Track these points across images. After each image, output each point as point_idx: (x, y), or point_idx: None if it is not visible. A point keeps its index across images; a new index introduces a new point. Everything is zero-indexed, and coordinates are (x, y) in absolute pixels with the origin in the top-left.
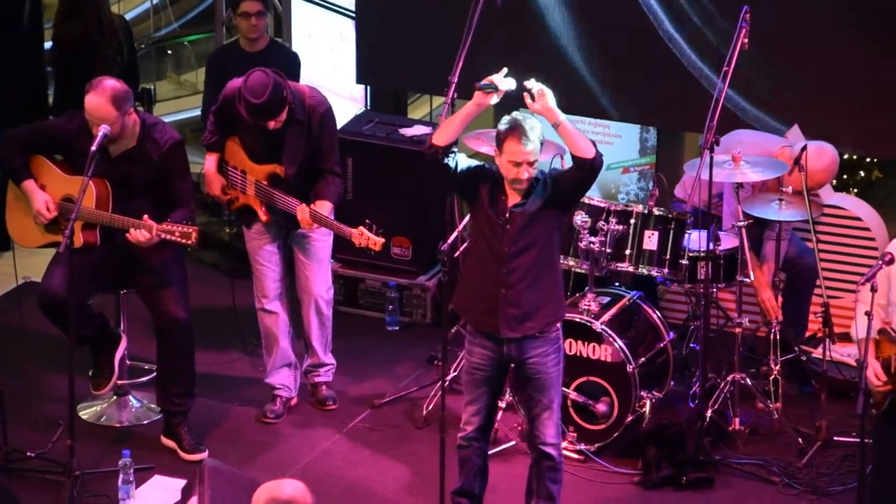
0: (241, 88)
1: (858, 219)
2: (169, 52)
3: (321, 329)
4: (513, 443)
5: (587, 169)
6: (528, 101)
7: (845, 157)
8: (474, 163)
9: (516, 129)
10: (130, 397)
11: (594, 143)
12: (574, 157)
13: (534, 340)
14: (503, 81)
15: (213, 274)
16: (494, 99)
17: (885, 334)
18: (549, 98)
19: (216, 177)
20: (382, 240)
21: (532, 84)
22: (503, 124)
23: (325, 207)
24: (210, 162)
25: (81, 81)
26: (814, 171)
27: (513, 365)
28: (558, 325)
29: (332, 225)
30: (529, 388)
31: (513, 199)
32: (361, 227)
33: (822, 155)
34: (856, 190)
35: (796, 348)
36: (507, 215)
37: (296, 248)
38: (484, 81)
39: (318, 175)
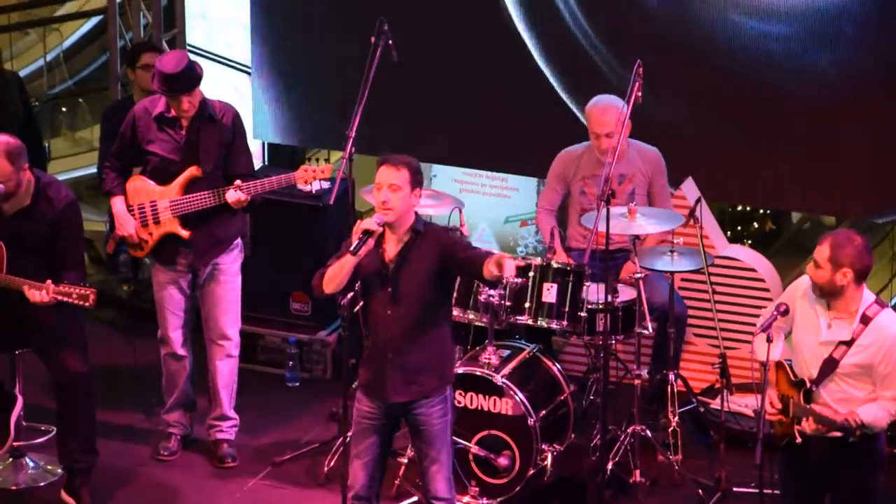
0: (155, 66)
1: (753, 269)
2: (63, 108)
3: (229, 375)
4: (415, 499)
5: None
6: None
7: (738, 208)
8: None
9: (383, 160)
10: (27, 459)
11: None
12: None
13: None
14: (371, 224)
15: (111, 332)
16: (365, 247)
17: (782, 369)
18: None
19: (127, 215)
20: (330, 165)
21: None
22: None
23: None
24: (118, 203)
25: None
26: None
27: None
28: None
29: (267, 183)
30: (417, 441)
31: (389, 254)
32: (302, 167)
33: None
34: (750, 241)
35: (694, 399)
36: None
37: (206, 291)
38: (354, 242)
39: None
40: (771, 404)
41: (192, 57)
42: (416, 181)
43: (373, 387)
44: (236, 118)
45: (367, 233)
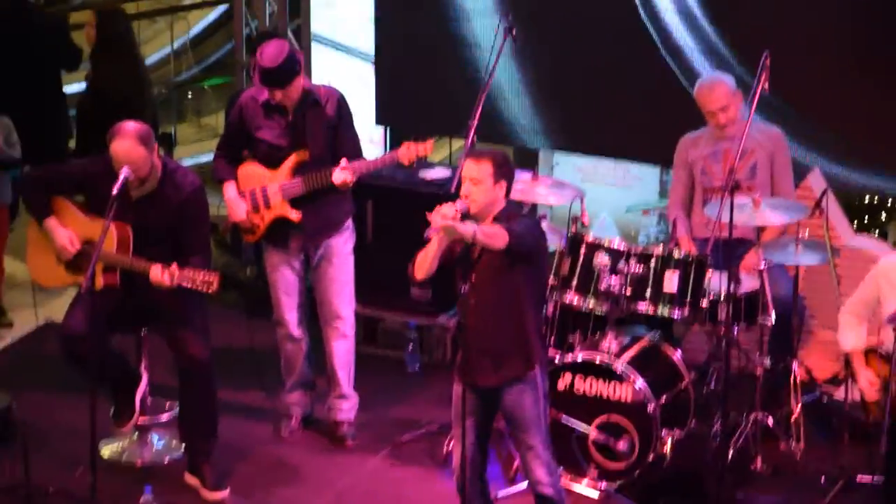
0: (256, 58)
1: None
2: (189, 95)
3: (346, 355)
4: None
5: (513, 253)
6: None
7: (866, 200)
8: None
9: (469, 153)
10: (152, 435)
11: (509, 231)
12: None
13: (509, 382)
14: (450, 215)
15: (233, 314)
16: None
17: (873, 353)
18: (451, 230)
19: (239, 200)
20: (431, 140)
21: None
22: None
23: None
24: (230, 189)
25: (112, 124)
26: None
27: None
28: (536, 367)
29: (374, 163)
30: (513, 429)
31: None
32: (404, 143)
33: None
34: (877, 231)
35: (818, 390)
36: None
37: (318, 272)
38: (430, 231)
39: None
40: (870, 383)
41: (315, 46)
42: (501, 173)
43: (462, 370)
44: (341, 101)
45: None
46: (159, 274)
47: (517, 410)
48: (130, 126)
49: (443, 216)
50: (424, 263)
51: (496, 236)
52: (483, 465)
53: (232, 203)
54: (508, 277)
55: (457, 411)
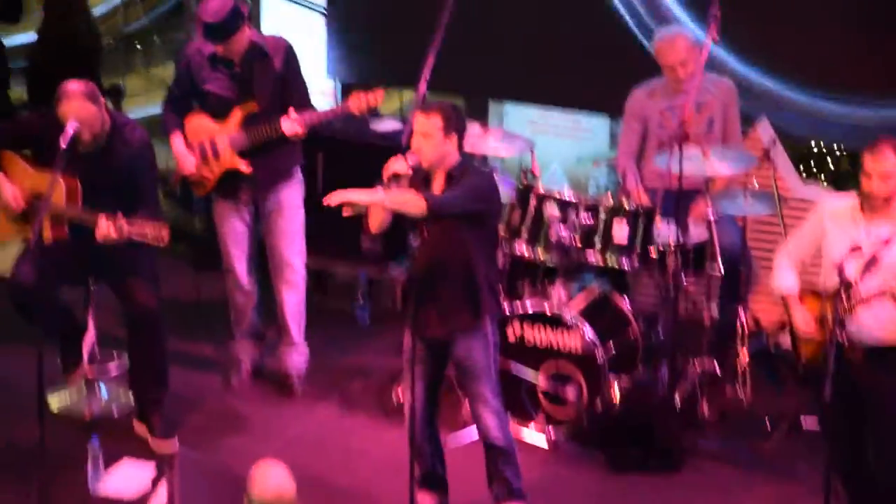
0: (197, 13)
1: None
2: (139, 46)
3: (297, 305)
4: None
5: (434, 218)
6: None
7: (815, 150)
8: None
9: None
10: (100, 386)
11: (428, 199)
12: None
13: (459, 333)
14: (401, 170)
15: (182, 266)
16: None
17: (806, 292)
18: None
19: (187, 153)
20: (381, 90)
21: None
22: None
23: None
24: (178, 142)
25: (63, 77)
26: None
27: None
28: (486, 318)
29: (324, 114)
30: (463, 378)
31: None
32: (353, 93)
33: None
34: (826, 182)
35: (765, 338)
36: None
37: (268, 222)
38: (385, 181)
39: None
40: (805, 322)
41: None
42: (451, 126)
43: (412, 322)
44: (289, 52)
45: (395, 177)
46: (105, 227)
47: (467, 360)
48: (75, 86)
49: (393, 171)
50: (377, 217)
51: (409, 203)
52: (434, 413)
53: (180, 156)
54: (458, 232)
55: (407, 361)
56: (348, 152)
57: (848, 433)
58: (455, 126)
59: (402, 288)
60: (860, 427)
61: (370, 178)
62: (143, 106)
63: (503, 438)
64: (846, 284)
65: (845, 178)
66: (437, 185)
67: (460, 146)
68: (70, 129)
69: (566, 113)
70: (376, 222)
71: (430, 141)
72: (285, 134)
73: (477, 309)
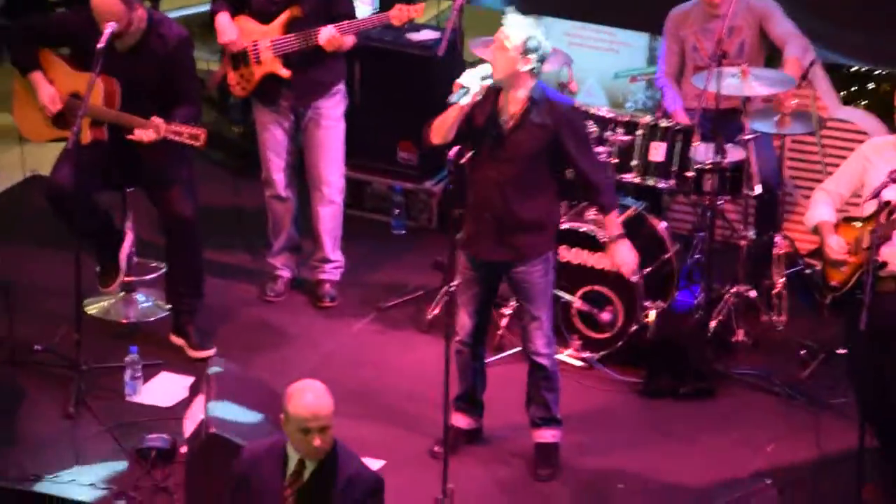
0: None
1: (866, 133)
2: None
3: (332, 220)
4: (518, 349)
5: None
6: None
7: (853, 69)
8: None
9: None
10: (137, 294)
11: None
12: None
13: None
14: (475, 82)
15: (220, 173)
16: (467, 99)
17: (843, 222)
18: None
19: (230, 25)
20: (422, 4)
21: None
22: None
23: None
24: (223, 16)
25: None
26: None
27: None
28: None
29: (363, 22)
30: (519, 298)
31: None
32: (396, 5)
33: None
34: (864, 102)
35: (801, 262)
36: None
37: (307, 135)
38: (455, 92)
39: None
40: (839, 246)
41: None
42: (526, 49)
43: (470, 243)
44: None
45: (465, 89)
46: (142, 132)
47: (525, 283)
48: None
49: (464, 85)
50: (442, 128)
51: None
52: (484, 332)
53: (222, 25)
54: (536, 162)
55: (464, 279)
56: (385, 61)
57: (873, 367)
58: (531, 47)
59: (438, 201)
60: (886, 361)
61: (406, 87)
62: (181, 7)
63: (550, 362)
64: (884, 204)
65: (885, 102)
66: (513, 107)
67: (536, 74)
68: (107, 29)
69: (602, 25)
70: (440, 135)
71: (504, 55)
72: (321, 42)
73: (543, 238)
